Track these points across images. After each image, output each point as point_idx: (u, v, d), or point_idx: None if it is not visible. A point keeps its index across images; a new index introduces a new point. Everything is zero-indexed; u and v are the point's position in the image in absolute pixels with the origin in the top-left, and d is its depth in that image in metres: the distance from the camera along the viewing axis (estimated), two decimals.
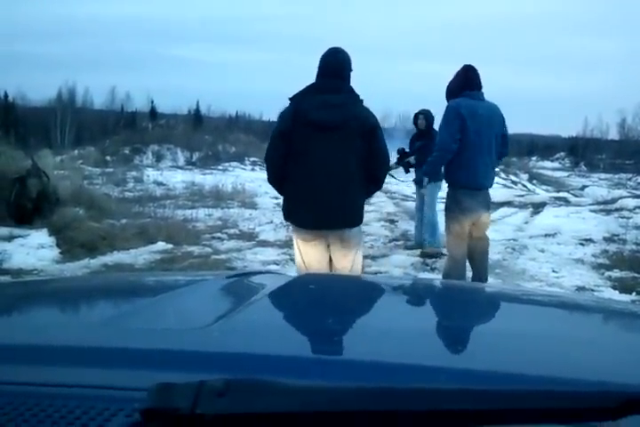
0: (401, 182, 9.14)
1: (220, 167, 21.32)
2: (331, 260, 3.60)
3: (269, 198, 13.23)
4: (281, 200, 11.50)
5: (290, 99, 3.45)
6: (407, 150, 7.70)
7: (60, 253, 6.90)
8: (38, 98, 41.73)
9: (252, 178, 17.10)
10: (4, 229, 7.35)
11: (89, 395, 0.65)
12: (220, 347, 0.81)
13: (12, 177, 8.05)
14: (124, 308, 1.13)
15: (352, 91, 3.44)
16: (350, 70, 3.48)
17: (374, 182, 3.54)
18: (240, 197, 12.91)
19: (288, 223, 3.83)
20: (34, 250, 6.82)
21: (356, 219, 3.51)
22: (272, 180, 3.53)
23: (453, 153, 4.64)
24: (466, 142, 4.61)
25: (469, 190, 4.72)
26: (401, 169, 7.90)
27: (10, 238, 7.16)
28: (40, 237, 7.13)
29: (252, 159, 23.76)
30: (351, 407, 0.54)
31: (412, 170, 7.82)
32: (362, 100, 3.45)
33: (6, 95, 39.29)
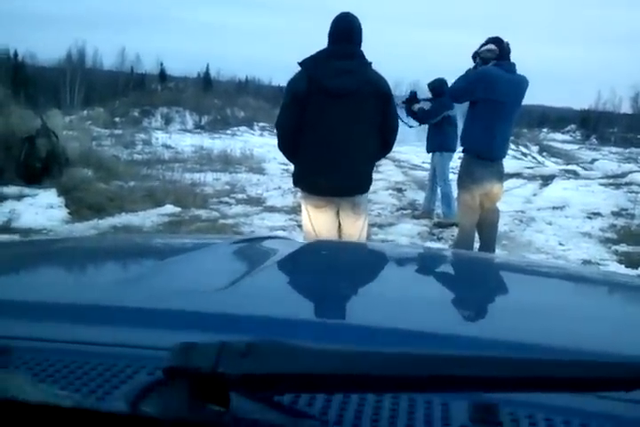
0: (407, 127, 8.89)
1: (228, 132, 21.24)
2: (339, 226, 3.62)
3: (277, 164, 13.21)
4: (289, 166, 11.46)
5: (300, 64, 3.41)
6: (419, 98, 7.56)
7: (69, 213, 6.94)
8: (48, 57, 41.32)
9: (261, 143, 17.06)
10: (14, 189, 7.38)
11: (111, 353, 0.67)
12: (238, 309, 0.82)
13: (21, 137, 8.05)
14: (139, 269, 1.14)
15: (363, 56, 3.41)
16: (361, 35, 3.44)
17: (384, 148, 3.55)
18: (248, 162, 12.90)
19: (297, 189, 3.82)
20: (43, 210, 6.86)
21: (367, 185, 3.53)
22: (283, 146, 3.50)
23: (452, 107, 4.66)
24: (489, 111, 4.58)
25: (483, 160, 4.71)
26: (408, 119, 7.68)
27: (19, 197, 7.20)
28: (49, 197, 7.16)
29: (260, 124, 23.65)
30: (368, 371, 0.55)
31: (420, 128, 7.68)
32: (371, 64, 3.42)
33: (16, 54, 39.02)
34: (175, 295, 0.87)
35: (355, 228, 3.58)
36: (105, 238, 2.65)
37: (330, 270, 1.23)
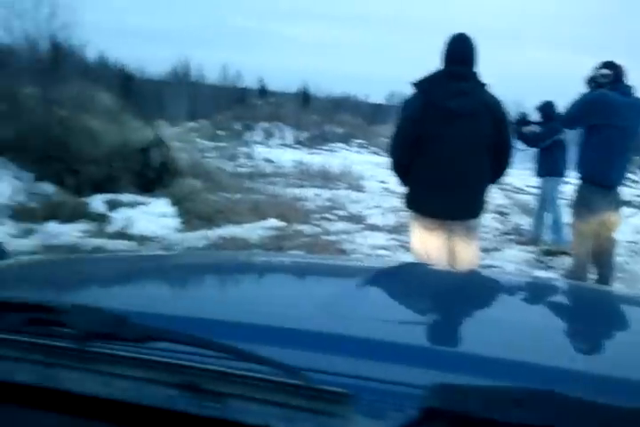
0: (517, 151, 8.65)
1: (326, 148, 21.46)
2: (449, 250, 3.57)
3: (376, 182, 13.21)
4: (388, 185, 11.43)
5: (414, 85, 3.39)
6: (529, 119, 7.39)
7: (181, 222, 7.19)
8: (155, 71, 43.25)
9: (359, 160, 17.12)
10: (129, 197, 7.72)
11: (364, 387, 0.65)
12: (453, 345, 0.80)
13: (136, 147, 8.43)
14: (306, 292, 1.15)
15: (479, 77, 3.36)
16: (477, 56, 3.40)
17: (498, 171, 3.49)
18: (347, 178, 12.96)
19: (404, 209, 3.82)
20: (156, 218, 7.13)
21: (480, 209, 3.49)
22: (396, 168, 3.50)
23: (562, 131, 4.53)
24: (605, 137, 4.42)
25: (600, 188, 4.53)
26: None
27: (134, 205, 7.52)
28: (161, 206, 7.45)
29: (357, 141, 23.75)
30: None
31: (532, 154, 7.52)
32: (487, 86, 3.37)
33: (126, 68, 41.07)
34: (366, 323, 0.87)
35: (466, 252, 3.52)
36: (257, 254, 2.72)
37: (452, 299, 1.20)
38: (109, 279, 1.25)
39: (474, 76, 3.33)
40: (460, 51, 3.34)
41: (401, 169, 3.46)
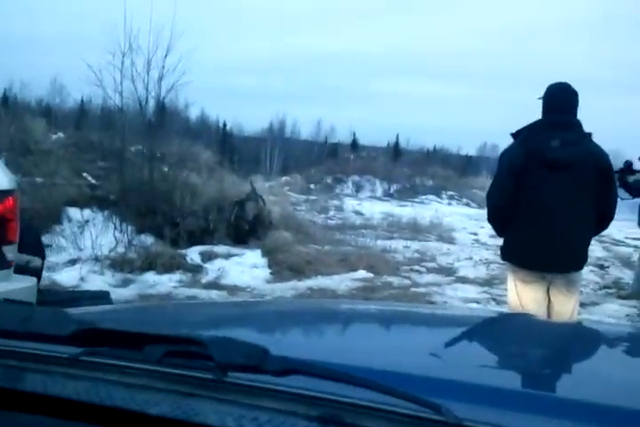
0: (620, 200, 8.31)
1: (416, 200, 21.43)
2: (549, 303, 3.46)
3: (467, 234, 13.01)
4: (479, 236, 11.19)
5: (513, 135, 3.38)
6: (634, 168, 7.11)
7: (271, 273, 7.36)
8: (251, 128, 45.09)
9: (450, 212, 16.95)
10: (224, 248, 8.00)
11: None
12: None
13: (232, 200, 8.78)
14: (439, 339, 1.17)
15: (582, 127, 3.31)
16: (578, 105, 3.35)
17: (601, 223, 3.38)
18: (437, 230, 12.85)
19: (505, 263, 3.72)
20: (248, 269, 7.34)
21: (582, 262, 3.38)
22: (494, 218, 3.44)
23: None
24: None
25: None
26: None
27: (227, 256, 7.78)
28: (254, 257, 7.67)
29: (448, 193, 23.58)
30: None
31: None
32: (591, 135, 3.32)
33: (224, 125, 43.05)
34: (476, 370, 0.89)
35: (567, 306, 3.38)
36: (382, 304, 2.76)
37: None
38: (230, 320, 1.34)
39: (577, 125, 3.27)
40: (561, 99, 3.29)
41: (499, 219, 3.41)
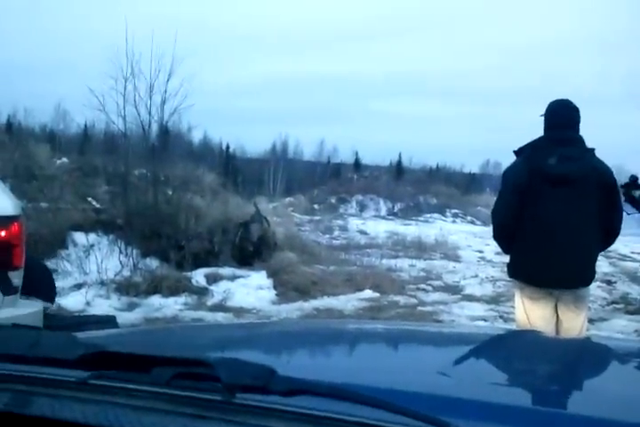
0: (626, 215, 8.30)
1: (421, 218, 21.44)
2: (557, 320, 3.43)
3: (472, 251, 12.99)
4: (485, 254, 11.14)
5: (516, 152, 3.39)
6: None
7: (276, 294, 7.34)
8: (254, 150, 45.34)
9: (454, 230, 16.95)
10: (229, 270, 7.99)
11: None
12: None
13: (237, 222, 8.79)
14: (447, 358, 1.17)
15: (584, 142, 3.31)
16: (579, 121, 3.36)
17: (607, 239, 3.37)
18: (442, 248, 12.83)
19: (512, 280, 3.70)
20: (253, 290, 7.33)
21: (590, 277, 3.36)
22: (499, 235, 3.44)
23: None
24: None
25: None
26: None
27: (232, 278, 7.77)
28: (259, 279, 7.65)
29: (453, 211, 23.61)
30: None
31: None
32: (594, 151, 3.32)
33: (227, 147, 43.30)
34: (485, 387, 0.88)
35: (575, 322, 3.35)
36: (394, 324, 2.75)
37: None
38: (237, 342, 1.34)
39: (579, 140, 3.27)
40: (562, 116, 3.29)
41: (505, 237, 3.39)
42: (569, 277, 3.26)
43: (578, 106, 3.39)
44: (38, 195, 8.68)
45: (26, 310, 3.16)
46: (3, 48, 60.31)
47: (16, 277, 3.17)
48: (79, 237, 8.01)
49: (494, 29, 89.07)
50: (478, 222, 21.38)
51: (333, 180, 30.41)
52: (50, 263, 7.23)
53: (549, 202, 3.20)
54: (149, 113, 9.18)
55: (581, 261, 3.25)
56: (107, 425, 0.64)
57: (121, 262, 7.80)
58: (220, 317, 6.37)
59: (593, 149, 3.31)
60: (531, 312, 3.39)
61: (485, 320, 6.56)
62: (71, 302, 6.63)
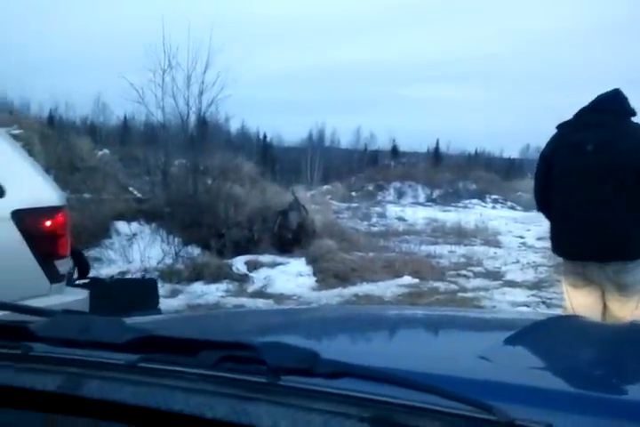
0: None
1: (460, 204, 21.24)
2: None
3: (513, 237, 12.83)
4: (526, 239, 11.00)
5: (557, 126, 3.37)
6: None
7: (316, 281, 7.38)
8: (291, 138, 45.39)
9: (494, 216, 16.75)
10: (268, 257, 8.06)
11: None
12: None
13: (275, 210, 8.86)
14: (488, 342, 1.17)
15: (621, 110, 3.17)
16: (623, 106, 3.23)
17: None
18: (483, 234, 12.70)
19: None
20: (293, 277, 7.38)
21: (632, 249, 3.14)
22: (538, 205, 3.48)
23: None
24: None
25: None
26: None
27: (272, 265, 7.84)
28: (299, 266, 7.71)
29: (492, 197, 23.31)
30: None
31: None
32: (631, 114, 3.20)
33: (265, 136, 43.45)
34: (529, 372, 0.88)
35: (623, 311, 3.21)
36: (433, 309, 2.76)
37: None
38: (279, 327, 1.36)
39: (615, 108, 3.15)
40: (604, 95, 3.21)
41: (540, 206, 3.43)
42: (598, 249, 3.11)
43: (626, 95, 3.28)
44: (81, 186, 8.88)
45: (72, 297, 3.25)
46: (44, 44, 61.49)
47: (62, 266, 3.25)
48: (122, 226, 8.17)
49: (528, 13, 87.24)
50: (519, 208, 21.09)
51: (371, 167, 30.33)
52: (94, 252, 7.41)
53: (573, 169, 3.12)
54: (187, 104, 9.29)
55: (611, 233, 3.08)
56: (156, 406, 0.66)
57: (163, 251, 7.93)
58: (261, 303, 6.44)
59: (630, 114, 3.19)
60: (574, 300, 3.33)
61: (527, 306, 6.49)
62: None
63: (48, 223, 3.17)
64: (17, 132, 8.81)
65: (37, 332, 0.77)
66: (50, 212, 3.19)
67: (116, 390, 0.69)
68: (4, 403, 0.70)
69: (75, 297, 3.26)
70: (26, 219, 3.09)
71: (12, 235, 3.05)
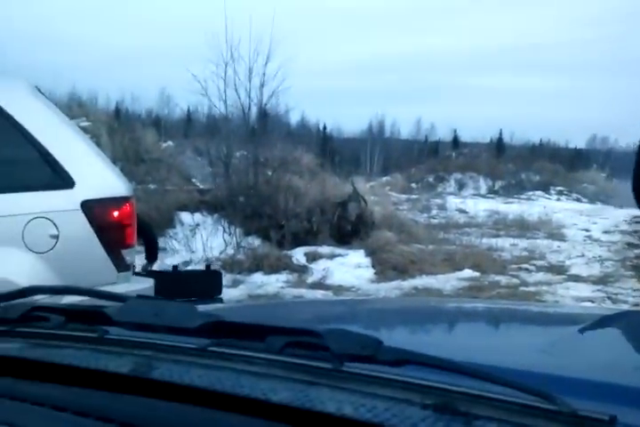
0: None
1: (523, 196, 20.75)
2: None
3: (578, 230, 12.48)
4: (591, 233, 10.68)
5: None
6: None
7: (375, 273, 7.38)
8: (351, 130, 45.31)
9: (559, 208, 16.31)
10: (327, 248, 8.10)
11: None
12: None
13: (334, 201, 8.88)
14: (551, 336, 1.16)
15: None
16: None
17: None
18: (546, 227, 12.39)
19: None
20: (352, 269, 7.40)
21: None
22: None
23: None
24: None
25: None
26: None
27: (331, 257, 7.88)
28: (357, 257, 7.72)
29: (557, 188, 22.68)
30: None
31: None
32: None
33: (324, 128, 43.52)
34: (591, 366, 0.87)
35: None
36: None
37: None
38: (340, 317, 1.38)
39: None
40: None
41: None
42: None
43: None
44: (146, 177, 9.12)
45: (139, 285, 3.35)
46: (109, 38, 63.12)
47: (129, 255, 3.36)
48: (185, 216, 8.36)
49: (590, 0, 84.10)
50: (584, 200, 20.47)
51: (431, 158, 29.95)
52: (159, 242, 7.60)
53: None
54: (249, 96, 9.41)
55: None
56: (224, 390, 0.68)
57: (225, 241, 8.08)
58: (320, 294, 6.49)
59: None
60: None
61: (592, 301, 6.33)
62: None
63: (116, 214, 3.27)
64: (85, 124, 9.12)
65: (113, 316, 0.81)
66: (117, 202, 3.29)
67: (188, 374, 0.72)
68: (82, 383, 0.74)
69: (141, 285, 3.37)
70: (95, 209, 3.20)
71: (82, 225, 3.17)
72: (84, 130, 5.09)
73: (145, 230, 4.91)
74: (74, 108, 10.80)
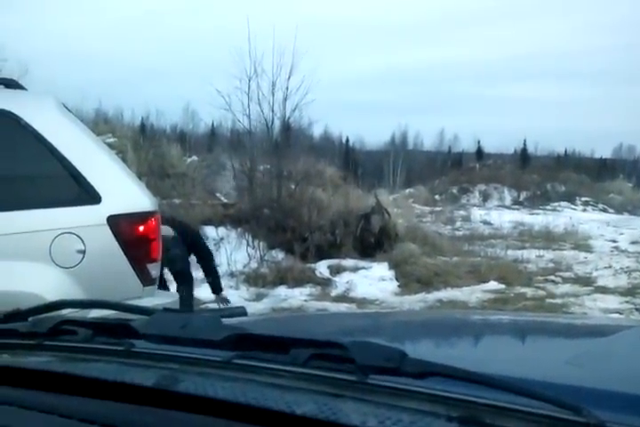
0: None
1: (548, 207, 20.52)
2: None
3: (605, 241, 12.32)
4: (619, 243, 10.57)
5: None
6: None
7: (399, 286, 7.35)
8: (373, 142, 45.34)
9: (585, 219, 16.12)
10: (351, 261, 8.09)
11: None
12: None
13: (358, 214, 8.87)
14: (579, 348, 1.15)
15: None
16: None
17: None
18: (572, 238, 12.25)
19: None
20: (376, 281, 7.38)
21: None
22: None
23: None
24: None
25: None
26: None
27: (355, 269, 7.86)
28: (381, 270, 7.69)
29: (583, 199, 22.40)
30: None
31: None
32: None
33: (347, 140, 43.58)
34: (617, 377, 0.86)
35: None
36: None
37: None
38: (364, 329, 1.38)
39: None
40: None
41: None
42: None
43: None
44: (171, 192, 9.20)
45: (164, 299, 3.37)
46: (134, 54, 64.15)
47: (154, 269, 3.38)
48: (210, 230, 8.41)
49: (613, 7, 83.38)
50: (611, 210, 20.19)
51: (455, 169, 29.81)
52: None
53: None
54: (272, 110, 9.49)
55: None
56: (251, 402, 0.69)
57: (249, 255, 8.11)
58: (344, 307, 6.47)
59: None
60: None
61: (620, 313, 6.23)
62: (203, 292, 6.97)
63: (141, 228, 3.30)
64: (111, 140, 9.25)
65: (139, 329, 0.82)
66: (143, 217, 3.32)
67: (213, 387, 0.73)
68: (109, 397, 0.75)
69: (166, 300, 3.39)
70: (120, 224, 3.23)
71: (108, 240, 3.20)
72: (110, 146, 5.17)
73: (207, 261, 5.07)
74: (100, 124, 10.97)
